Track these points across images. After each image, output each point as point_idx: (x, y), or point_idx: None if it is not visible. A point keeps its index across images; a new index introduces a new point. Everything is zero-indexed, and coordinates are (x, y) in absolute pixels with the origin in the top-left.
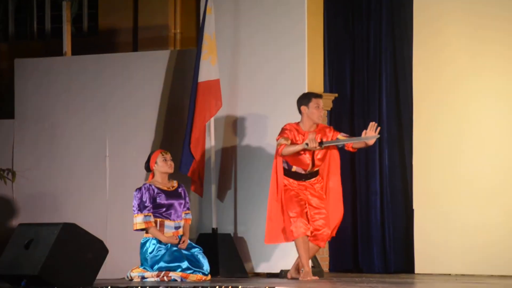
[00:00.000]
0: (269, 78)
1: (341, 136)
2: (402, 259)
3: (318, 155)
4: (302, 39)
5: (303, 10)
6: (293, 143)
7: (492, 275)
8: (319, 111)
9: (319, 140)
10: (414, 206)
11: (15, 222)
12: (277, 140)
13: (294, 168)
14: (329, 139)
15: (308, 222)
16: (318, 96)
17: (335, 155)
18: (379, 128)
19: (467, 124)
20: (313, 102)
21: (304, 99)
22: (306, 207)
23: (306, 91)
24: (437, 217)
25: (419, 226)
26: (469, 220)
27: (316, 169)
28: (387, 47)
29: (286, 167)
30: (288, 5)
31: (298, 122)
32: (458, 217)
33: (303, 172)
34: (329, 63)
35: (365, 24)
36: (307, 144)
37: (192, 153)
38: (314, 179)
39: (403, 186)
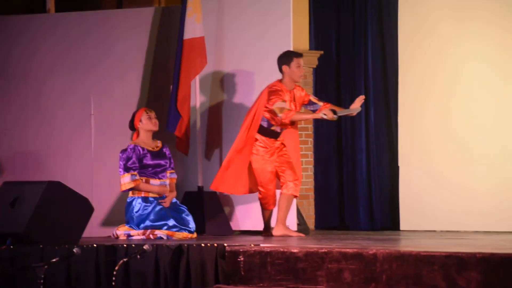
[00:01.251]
0: (254, 35)
1: (313, 97)
2: (388, 216)
3: (297, 109)
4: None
5: None
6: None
7: (477, 231)
8: (300, 70)
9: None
10: (400, 163)
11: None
12: (274, 102)
13: (273, 127)
14: (303, 100)
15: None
16: (299, 55)
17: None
18: (363, 99)
19: (453, 82)
20: (295, 62)
21: (286, 58)
22: (276, 176)
23: (291, 48)
24: (422, 174)
25: (404, 183)
26: (454, 177)
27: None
28: (372, 3)
29: (266, 126)
30: None
31: (280, 80)
32: (443, 174)
33: (279, 130)
34: (315, 20)
35: None
36: (325, 114)
37: (179, 111)
38: (280, 136)
39: (389, 143)
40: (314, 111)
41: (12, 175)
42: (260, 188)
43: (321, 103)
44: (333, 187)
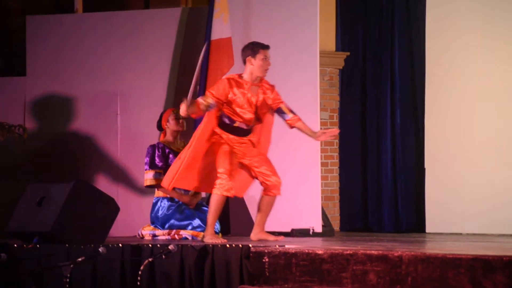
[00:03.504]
0: (281, 36)
1: (284, 106)
2: (413, 218)
3: (263, 109)
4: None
5: None
6: (221, 101)
7: (503, 234)
8: (265, 63)
9: None
10: (426, 165)
11: (26, 179)
12: (208, 91)
13: (237, 124)
14: (272, 102)
15: (251, 177)
16: (266, 47)
17: (269, 118)
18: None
19: (481, 84)
20: (261, 54)
21: (251, 50)
22: (237, 169)
23: (318, 49)
24: (448, 176)
25: (430, 185)
26: (481, 179)
27: (257, 124)
28: (400, 4)
29: (228, 122)
30: None
31: (241, 74)
32: (470, 176)
33: (245, 127)
34: (341, 21)
35: None
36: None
37: None
38: (252, 134)
39: (415, 145)
40: (284, 120)
41: (39, 174)
42: (219, 172)
43: (290, 114)
44: (358, 189)
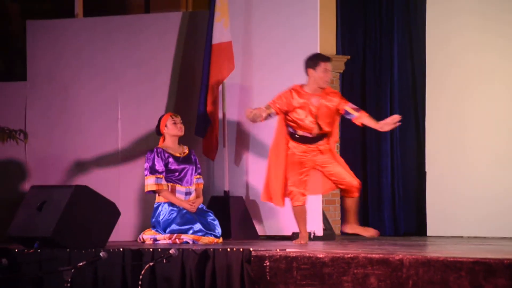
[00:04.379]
0: (281, 40)
1: (348, 107)
2: (413, 222)
3: (326, 119)
4: (314, 1)
5: None
6: (283, 110)
7: (504, 237)
8: (326, 75)
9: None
10: (427, 168)
11: (27, 184)
12: (272, 100)
13: (300, 133)
14: (336, 108)
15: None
16: (326, 59)
17: (336, 122)
18: (399, 123)
19: (482, 86)
20: (321, 66)
21: (312, 62)
22: (307, 175)
23: (318, 52)
24: (449, 179)
25: (431, 188)
26: (482, 182)
27: (325, 132)
28: (400, 8)
29: (292, 131)
30: None
31: (302, 85)
32: (471, 179)
33: (309, 135)
34: (342, 25)
35: None
36: None
37: (209, 116)
38: (321, 141)
39: (416, 148)
40: (350, 119)
41: (40, 179)
42: (289, 185)
43: (356, 114)
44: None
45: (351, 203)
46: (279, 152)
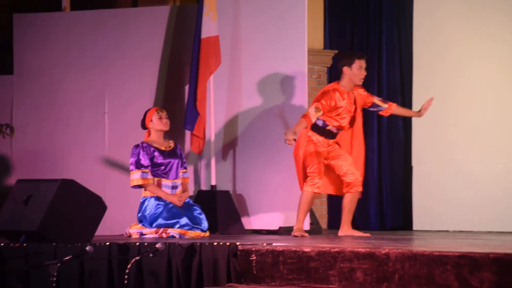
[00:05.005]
0: (269, 34)
1: (377, 100)
2: (400, 216)
3: (358, 116)
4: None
5: None
6: (332, 109)
7: (490, 232)
8: (361, 72)
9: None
10: (413, 163)
11: (13, 178)
12: (312, 103)
13: (329, 127)
14: (364, 101)
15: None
16: (361, 56)
17: (359, 116)
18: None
19: (469, 80)
20: (356, 64)
21: (347, 60)
22: (323, 166)
23: (306, 47)
24: (435, 174)
25: (417, 183)
26: (468, 177)
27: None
28: (387, 2)
29: (321, 125)
30: None
31: (338, 82)
32: (457, 174)
33: (335, 131)
34: (329, 19)
35: None
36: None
37: (198, 110)
38: (337, 136)
39: (402, 143)
40: (378, 111)
41: (26, 173)
42: (308, 171)
43: (385, 105)
44: None
45: (354, 198)
46: (299, 143)
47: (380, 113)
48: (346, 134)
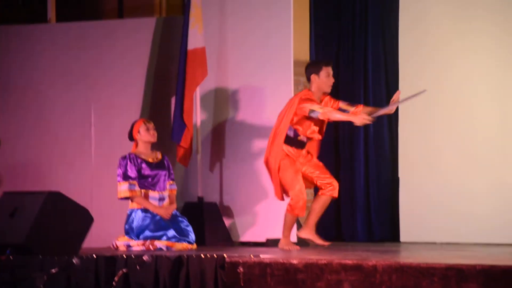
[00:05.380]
0: (255, 45)
1: (342, 104)
2: (387, 228)
3: (325, 124)
4: (287, 7)
5: None
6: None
7: (476, 243)
8: (330, 79)
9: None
10: (400, 175)
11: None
12: (307, 107)
13: (300, 137)
14: (333, 108)
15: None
16: (328, 63)
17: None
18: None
19: (455, 90)
20: (324, 71)
21: (314, 67)
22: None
23: (292, 57)
24: (422, 185)
25: (404, 195)
26: (456, 188)
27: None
28: (373, 13)
29: (292, 135)
30: None
31: (309, 90)
32: (444, 185)
33: (305, 140)
34: (315, 30)
35: None
36: (357, 122)
37: (185, 121)
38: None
39: (389, 153)
40: None
41: (13, 185)
42: (290, 193)
43: (352, 108)
44: None
45: (325, 202)
46: (271, 154)
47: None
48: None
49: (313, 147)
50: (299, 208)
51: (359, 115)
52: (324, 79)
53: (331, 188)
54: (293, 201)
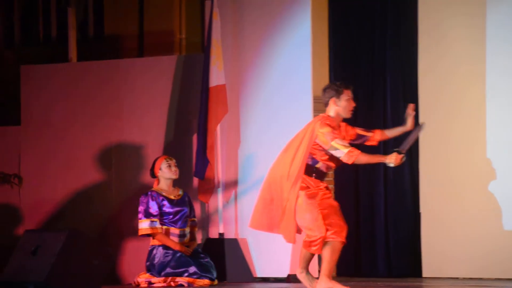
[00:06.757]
0: (274, 84)
1: (359, 130)
2: (407, 263)
3: None
4: (306, 43)
5: (307, 14)
6: None
7: (499, 278)
8: (350, 104)
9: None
10: (421, 210)
11: (21, 228)
12: (328, 139)
13: (319, 164)
14: (350, 136)
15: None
16: (349, 86)
17: None
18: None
19: (475, 123)
20: (345, 94)
21: (334, 90)
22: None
23: (311, 95)
24: (444, 220)
25: (426, 230)
26: (477, 223)
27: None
28: (392, 51)
29: (310, 163)
30: (292, 9)
31: (328, 116)
32: (466, 220)
33: (325, 170)
34: (334, 67)
35: (370, 32)
36: (390, 162)
37: (208, 158)
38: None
39: (410, 188)
40: (363, 142)
41: (34, 223)
42: (307, 232)
43: (369, 133)
44: (351, 234)
45: (334, 248)
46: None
47: (368, 143)
48: None
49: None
50: (316, 246)
51: (391, 155)
52: (345, 103)
53: (334, 231)
54: (309, 237)
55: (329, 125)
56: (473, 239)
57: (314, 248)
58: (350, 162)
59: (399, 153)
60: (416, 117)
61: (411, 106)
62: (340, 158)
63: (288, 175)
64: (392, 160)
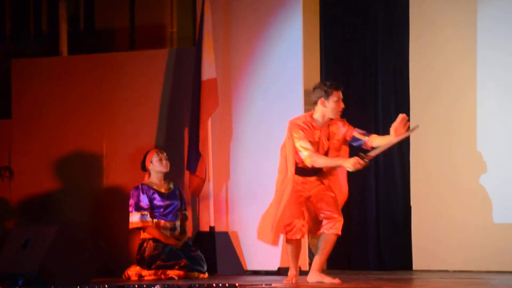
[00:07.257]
0: (265, 78)
1: (356, 133)
2: (398, 256)
3: (335, 152)
4: (297, 37)
5: (299, 8)
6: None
7: (489, 271)
8: (339, 105)
9: (361, 161)
10: (412, 203)
11: (12, 221)
12: (296, 140)
13: (301, 164)
14: (344, 136)
15: (312, 220)
16: (339, 87)
17: (345, 151)
18: (409, 123)
19: (466, 121)
20: (334, 95)
21: (323, 91)
22: (304, 206)
23: (302, 88)
24: (435, 213)
25: (416, 223)
26: (467, 216)
27: None
28: (384, 42)
29: (297, 161)
30: (284, 4)
31: (311, 115)
32: (456, 213)
33: (310, 168)
34: (326, 60)
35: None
36: (349, 166)
37: (200, 151)
38: (321, 173)
39: (401, 182)
40: (359, 145)
41: (25, 216)
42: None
43: (366, 138)
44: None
45: (330, 240)
46: (285, 186)
47: (362, 146)
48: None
49: (335, 180)
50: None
51: (353, 158)
52: (333, 104)
53: (329, 224)
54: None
55: (300, 127)
56: (463, 232)
57: (291, 234)
58: (309, 165)
59: (362, 158)
60: (407, 109)
61: (400, 117)
62: (302, 158)
63: (281, 181)
64: (350, 164)
